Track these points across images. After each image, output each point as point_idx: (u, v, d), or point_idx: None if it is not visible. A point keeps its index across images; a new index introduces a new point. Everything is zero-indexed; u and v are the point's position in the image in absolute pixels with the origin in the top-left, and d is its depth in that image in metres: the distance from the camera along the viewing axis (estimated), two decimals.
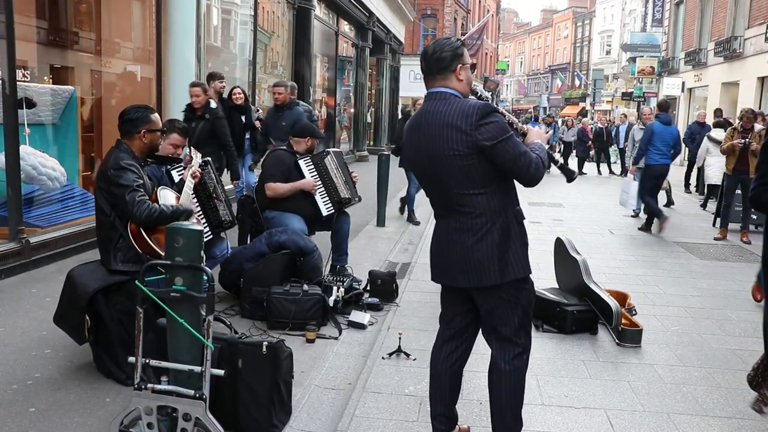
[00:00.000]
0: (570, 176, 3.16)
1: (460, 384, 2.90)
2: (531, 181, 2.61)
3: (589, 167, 19.05)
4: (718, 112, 13.27)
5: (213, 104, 6.55)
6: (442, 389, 2.86)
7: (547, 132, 2.98)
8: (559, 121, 22.57)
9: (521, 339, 2.73)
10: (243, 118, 7.57)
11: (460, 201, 2.61)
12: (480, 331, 2.86)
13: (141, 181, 3.49)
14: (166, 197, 3.72)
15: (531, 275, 2.73)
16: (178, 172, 4.31)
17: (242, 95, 7.56)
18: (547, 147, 2.77)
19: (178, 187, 4.00)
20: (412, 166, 2.80)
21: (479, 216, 2.60)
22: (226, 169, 6.80)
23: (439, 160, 2.59)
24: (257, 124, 7.61)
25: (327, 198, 5.42)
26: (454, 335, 2.87)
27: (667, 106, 9.88)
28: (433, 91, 2.67)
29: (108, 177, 3.46)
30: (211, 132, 6.47)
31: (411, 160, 2.78)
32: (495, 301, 2.68)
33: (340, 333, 4.40)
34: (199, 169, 4.19)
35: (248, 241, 5.28)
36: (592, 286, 4.80)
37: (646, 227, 9.03)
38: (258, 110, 7.85)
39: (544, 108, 55.69)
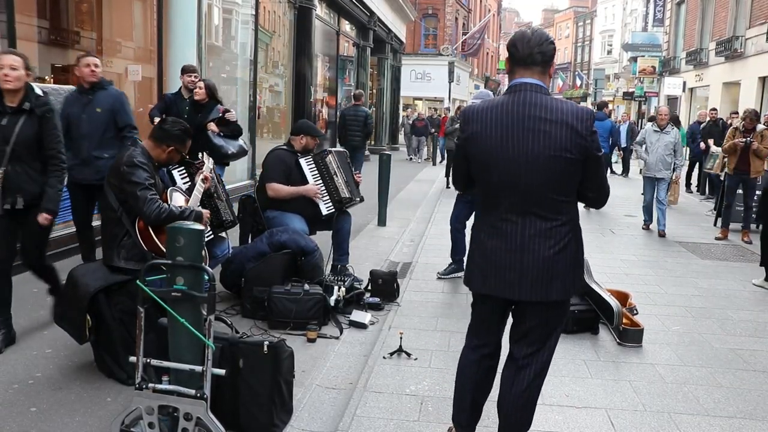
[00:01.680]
0: None
1: (493, 382, 2.83)
2: (605, 201, 2.60)
3: None
4: (714, 111, 14.07)
5: (39, 90, 4.21)
6: (478, 395, 2.77)
7: None
8: None
9: (551, 351, 2.65)
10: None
11: (549, 206, 2.43)
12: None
13: (153, 181, 3.53)
14: (177, 200, 3.75)
15: None
16: (179, 172, 4.32)
17: (203, 90, 6.29)
18: None
19: (189, 192, 4.03)
20: (485, 158, 2.47)
21: (565, 224, 2.46)
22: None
23: (539, 159, 2.37)
24: (211, 126, 6.18)
25: (327, 197, 5.42)
26: (495, 350, 2.75)
27: (604, 105, 13.60)
28: (532, 83, 2.44)
29: (120, 173, 3.48)
30: (38, 134, 3.93)
31: (488, 151, 2.45)
32: (548, 316, 2.56)
33: (341, 332, 4.40)
34: (210, 174, 4.22)
35: (249, 241, 5.28)
36: (593, 286, 4.79)
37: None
38: (229, 110, 6.46)
39: None
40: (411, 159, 21.66)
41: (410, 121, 22.03)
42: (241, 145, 6.50)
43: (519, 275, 2.46)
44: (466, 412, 2.79)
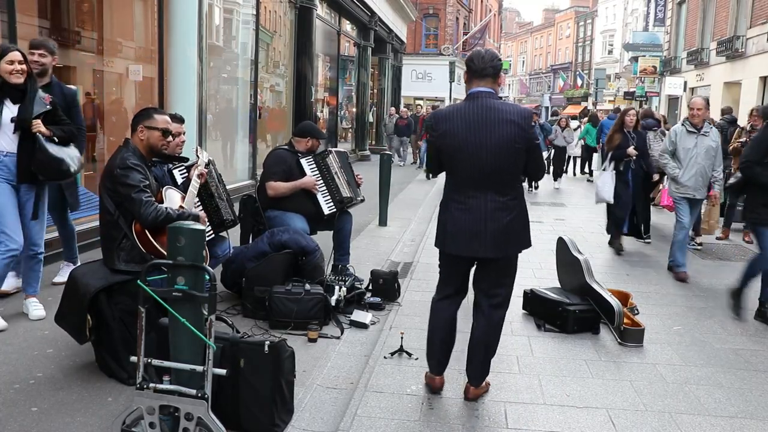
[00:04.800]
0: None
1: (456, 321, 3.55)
2: (542, 176, 3.67)
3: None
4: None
5: None
6: (446, 334, 3.46)
7: None
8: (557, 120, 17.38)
9: (511, 288, 3.47)
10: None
11: (503, 185, 3.19)
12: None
13: (147, 182, 3.52)
14: (172, 197, 3.74)
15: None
16: (179, 171, 4.31)
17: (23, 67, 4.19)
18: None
19: (184, 187, 4.02)
20: (454, 149, 3.18)
21: (515, 198, 3.24)
22: None
23: (499, 149, 3.12)
24: (38, 125, 4.17)
25: (329, 197, 5.42)
26: (460, 292, 3.48)
27: (617, 110, 14.53)
28: (486, 91, 3.20)
29: (114, 176, 3.47)
30: None
31: (456, 144, 3.17)
32: (506, 266, 3.37)
33: (342, 332, 4.40)
34: (206, 170, 4.20)
35: (250, 241, 5.28)
36: (594, 286, 4.79)
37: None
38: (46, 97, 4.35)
39: (546, 108, 55.67)
40: (393, 161, 20.10)
41: (393, 121, 19.66)
42: (78, 156, 4.43)
43: (484, 239, 3.20)
44: (436, 353, 3.48)
